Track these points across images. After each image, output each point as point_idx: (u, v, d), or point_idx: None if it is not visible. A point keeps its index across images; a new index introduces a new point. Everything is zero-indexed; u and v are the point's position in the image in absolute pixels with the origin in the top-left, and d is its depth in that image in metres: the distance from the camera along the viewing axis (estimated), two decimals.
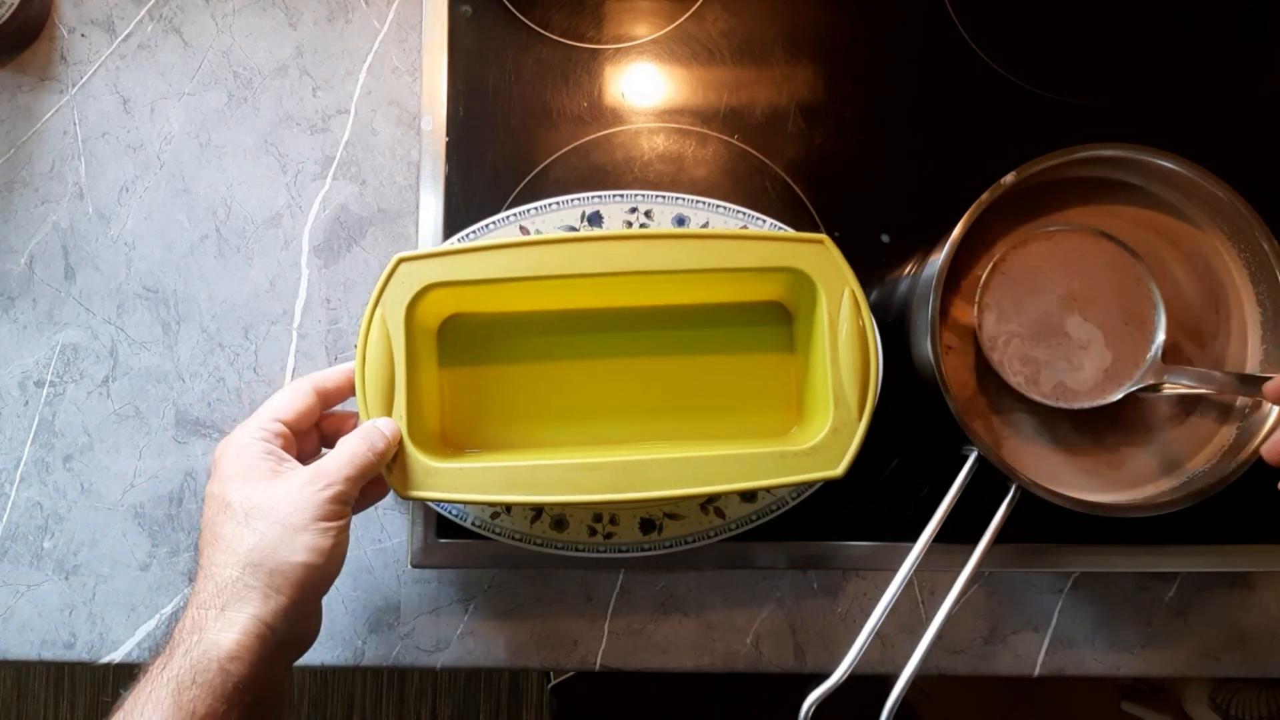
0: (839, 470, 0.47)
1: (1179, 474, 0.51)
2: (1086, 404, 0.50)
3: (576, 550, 0.53)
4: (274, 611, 0.40)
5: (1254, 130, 0.58)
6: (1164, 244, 0.53)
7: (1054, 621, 0.56)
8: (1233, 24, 0.59)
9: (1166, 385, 0.50)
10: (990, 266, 0.51)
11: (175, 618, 0.43)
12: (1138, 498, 0.51)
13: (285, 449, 0.45)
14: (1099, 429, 0.52)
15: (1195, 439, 0.52)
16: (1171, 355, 0.52)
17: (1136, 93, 0.59)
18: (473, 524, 0.53)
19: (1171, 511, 0.48)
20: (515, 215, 0.54)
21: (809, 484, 0.52)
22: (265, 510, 0.42)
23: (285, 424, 0.46)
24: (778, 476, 0.46)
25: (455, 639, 0.56)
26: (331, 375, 0.49)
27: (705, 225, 0.54)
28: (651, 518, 0.53)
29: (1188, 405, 0.52)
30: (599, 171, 0.58)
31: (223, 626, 0.39)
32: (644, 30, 0.60)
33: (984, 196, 0.49)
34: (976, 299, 0.50)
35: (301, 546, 0.41)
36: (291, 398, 0.47)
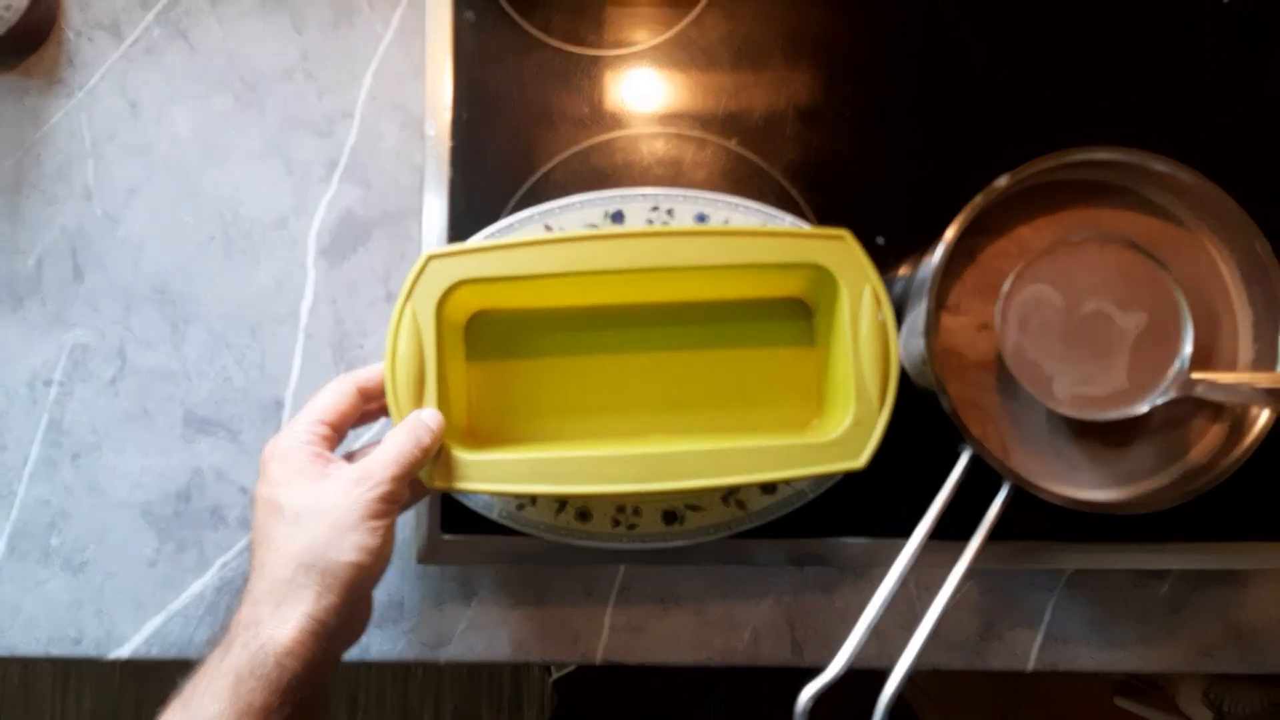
0: (860, 462, 0.47)
1: (1172, 471, 0.52)
2: (1110, 415, 0.49)
3: (601, 541, 0.54)
4: (326, 609, 0.41)
5: (1251, 134, 0.59)
6: (1156, 246, 0.52)
7: (1048, 618, 0.56)
8: (1233, 28, 0.59)
9: (1199, 398, 0.49)
10: (1015, 274, 0.50)
11: (229, 610, 0.43)
12: (1131, 495, 0.51)
13: (331, 449, 0.46)
14: (1092, 428, 0.52)
15: (1188, 436, 0.52)
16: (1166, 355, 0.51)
17: (1136, 95, 0.59)
18: (499, 515, 0.54)
19: (1165, 509, 0.49)
20: (539, 214, 0.54)
21: (830, 476, 0.53)
22: (314, 511, 0.42)
23: (329, 425, 0.46)
24: (801, 468, 0.47)
25: (458, 634, 0.56)
26: (374, 374, 0.49)
27: (726, 222, 0.54)
28: (674, 509, 0.54)
29: (1179, 403, 0.52)
30: (599, 175, 0.58)
31: (278, 622, 0.40)
32: (644, 35, 0.60)
33: (977, 199, 0.49)
34: (999, 307, 0.50)
35: (350, 546, 0.42)
36: (335, 399, 0.47)
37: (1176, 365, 0.50)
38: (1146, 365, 0.50)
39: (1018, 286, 0.50)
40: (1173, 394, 0.49)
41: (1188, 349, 0.50)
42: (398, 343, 0.48)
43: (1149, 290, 0.50)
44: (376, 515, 0.43)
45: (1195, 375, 0.49)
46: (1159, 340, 0.50)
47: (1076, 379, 0.50)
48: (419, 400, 0.48)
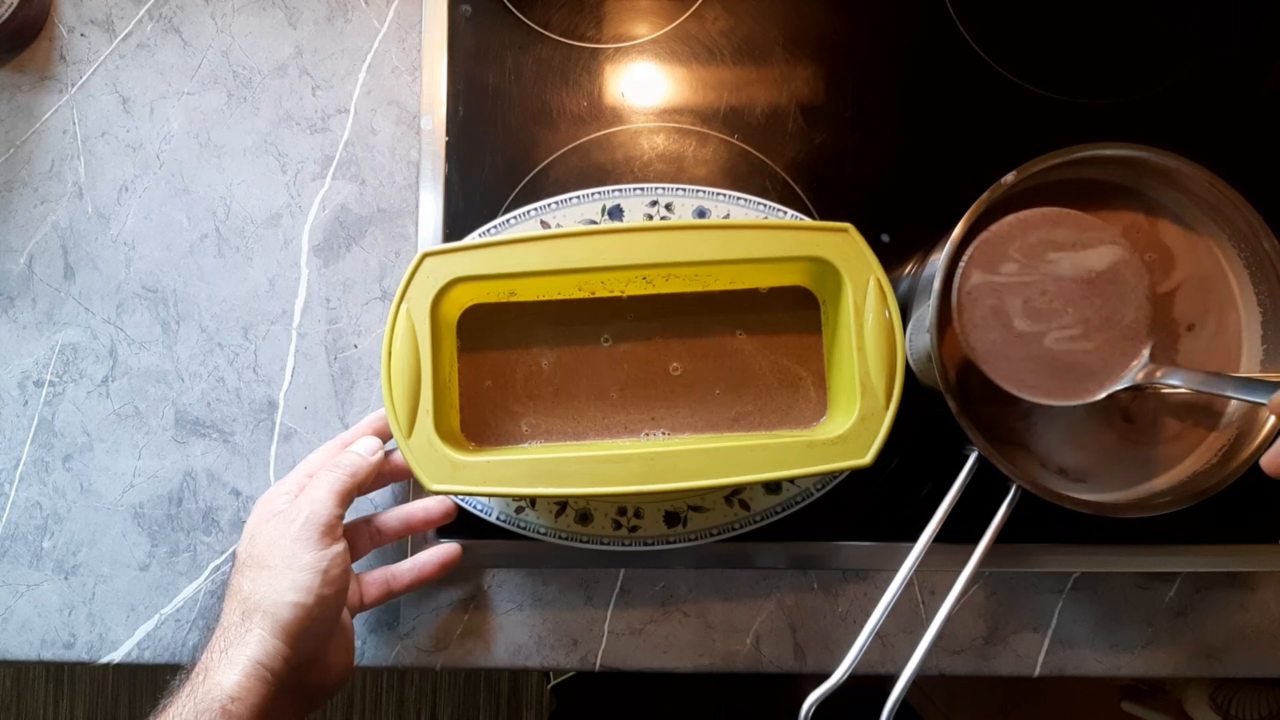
0: (867, 459, 0.47)
1: (1178, 474, 0.51)
2: (1070, 401, 0.48)
3: (601, 544, 0.53)
4: (270, 654, 0.42)
5: (1254, 130, 0.58)
6: (1163, 244, 0.52)
7: (1054, 622, 0.56)
8: (1234, 24, 0.59)
9: (1162, 387, 0.48)
10: (967, 257, 0.48)
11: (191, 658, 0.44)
12: (1137, 497, 0.50)
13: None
14: (1099, 429, 0.51)
15: (1195, 439, 0.52)
16: (1168, 356, 0.51)
17: (1136, 93, 0.58)
18: (498, 519, 0.53)
19: (1171, 512, 0.48)
20: (536, 210, 0.54)
21: (835, 474, 0.52)
22: (263, 558, 0.44)
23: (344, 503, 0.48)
24: (806, 466, 0.46)
25: (454, 639, 0.56)
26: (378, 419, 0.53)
27: (726, 216, 0.54)
28: (676, 510, 0.53)
29: (1186, 406, 0.52)
30: (599, 171, 0.58)
31: (225, 668, 0.41)
32: (644, 30, 0.60)
33: (984, 196, 0.48)
34: (956, 286, 0.48)
35: (288, 585, 0.43)
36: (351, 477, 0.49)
37: (1143, 355, 0.48)
38: (1112, 351, 0.48)
39: (972, 266, 0.48)
40: (1139, 380, 0.47)
41: (1150, 339, 0.48)
42: (393, 343, 0.48)
43: (1118, 273, 0.48)
44: (314, 547, 0.44)
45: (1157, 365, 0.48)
46: (1126, 327, 0.48)
47: (1040, 363, 0.48)
48: (415, 402, 0.47)
